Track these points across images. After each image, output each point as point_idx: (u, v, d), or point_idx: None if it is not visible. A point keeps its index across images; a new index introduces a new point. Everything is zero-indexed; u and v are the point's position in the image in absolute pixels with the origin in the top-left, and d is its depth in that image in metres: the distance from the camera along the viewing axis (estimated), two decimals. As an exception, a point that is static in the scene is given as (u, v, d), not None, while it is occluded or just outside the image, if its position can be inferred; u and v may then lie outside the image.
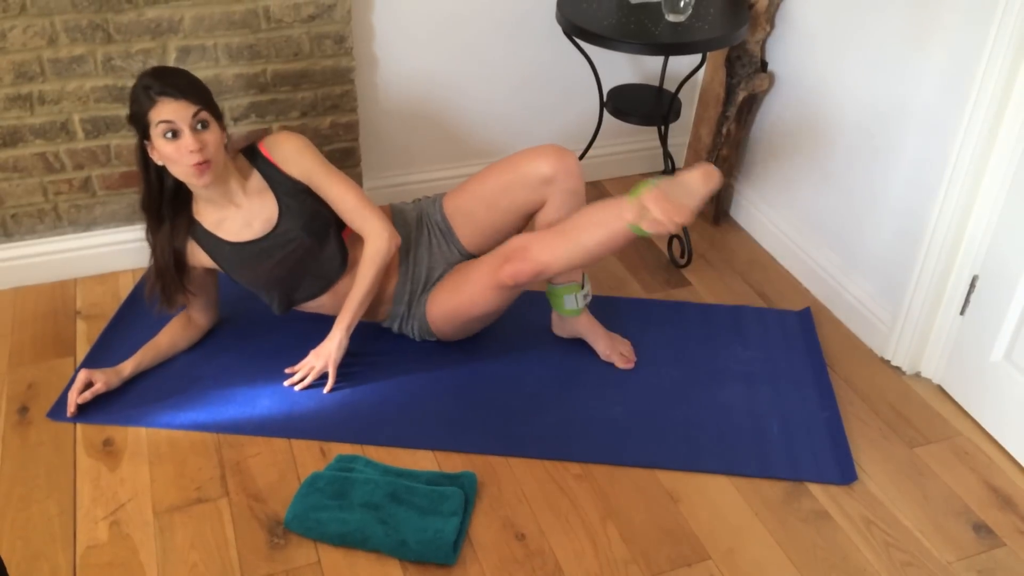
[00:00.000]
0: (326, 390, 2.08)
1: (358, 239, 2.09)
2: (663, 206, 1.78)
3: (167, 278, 2.04)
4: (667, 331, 2.34)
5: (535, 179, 2.02)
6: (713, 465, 1.96)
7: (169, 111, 1.84)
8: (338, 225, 2.08)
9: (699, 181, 1.84)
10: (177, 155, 1.86)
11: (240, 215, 2.02)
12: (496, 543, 1.78)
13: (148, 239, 2.04)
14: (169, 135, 1.85)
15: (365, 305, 2.07)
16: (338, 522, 1.76)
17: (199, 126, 1.86)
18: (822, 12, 2.36)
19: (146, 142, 1.90)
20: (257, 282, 2.08)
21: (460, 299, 2.08)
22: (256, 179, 2.02)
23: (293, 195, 2.02)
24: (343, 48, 2.40)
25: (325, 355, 2.08)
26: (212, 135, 1.89)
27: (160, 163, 1.91)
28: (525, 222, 2.12)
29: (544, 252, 1.94)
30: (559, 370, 2.19)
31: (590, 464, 1.96)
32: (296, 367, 2.11)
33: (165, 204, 2.00)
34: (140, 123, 1.88)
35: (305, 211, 2.02)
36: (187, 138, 1.85)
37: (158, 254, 2.02)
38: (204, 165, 1.88)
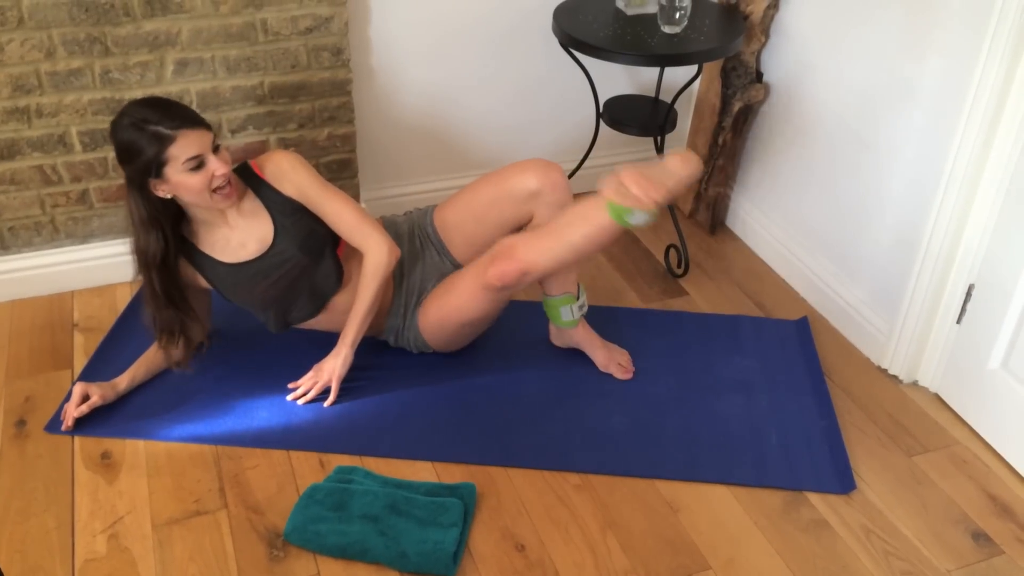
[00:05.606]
0: (327, 404, 2.08)
1: (352, 255, 2.09)
2: (640, 183, 1.77)
3: (168, 318, 2.01)
4: (665, 341, 2.34)
5: (522, 193, 2.03)
6: (712, 475, 1.96)
7: (195, 145, 1.82)
8: (333, 242, 2.07)
9: (678, 164, 1.86)
10: (204, 183, 1.85)
11: (235, 236, 2.00)
12: (496, 554, 1.78)
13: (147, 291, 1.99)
14: (194, 167, 1.83)
15: (368, 319, 2.07)
16: (337, 534, 1.75)
17: (215, 149, 1.86)
18: (817, 23, 2.37)
19: (153, 181, 1.84)
20: (253, 302, 2.07)
21: (449, 306, 2.07)
22: (250, 199, 2.00)
23: (288, 214, 2.00)
24: (340, 60, 2.41)
25: (329, 370, 2.08)
26: (224, 154, 1.89)
27: (168, 196, 1.88)
28: None
29: (530, 251, 1.91)
30: (557, 381, 2.19)
31: (589, 474, 1.96)
32: (299, 382, 2.11)
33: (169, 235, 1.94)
34: (155, 164, 1.81)
35: (301, 230, 2.01)
36: (213, 162, 1.84)
37: (159, 301, 1.98)
38: (230, 187, 1.89)
